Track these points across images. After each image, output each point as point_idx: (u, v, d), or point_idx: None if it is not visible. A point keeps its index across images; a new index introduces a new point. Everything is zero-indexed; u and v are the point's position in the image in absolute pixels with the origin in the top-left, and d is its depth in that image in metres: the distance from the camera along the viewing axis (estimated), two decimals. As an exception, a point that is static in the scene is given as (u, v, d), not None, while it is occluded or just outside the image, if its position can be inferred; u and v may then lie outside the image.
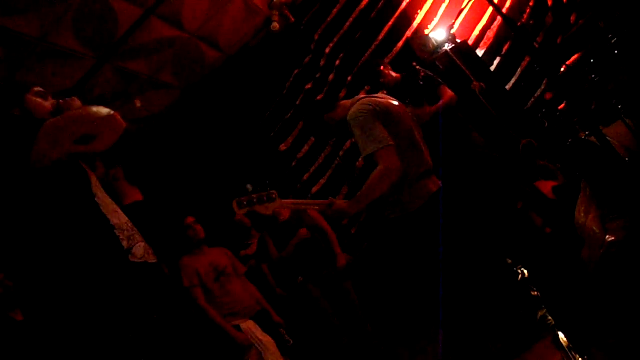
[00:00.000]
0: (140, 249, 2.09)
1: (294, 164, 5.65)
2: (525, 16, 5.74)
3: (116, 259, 1.99)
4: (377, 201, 2.70)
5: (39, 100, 2.12)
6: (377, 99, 2.83)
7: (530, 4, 5.71)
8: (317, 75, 5.70)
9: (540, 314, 2.77)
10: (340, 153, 5.60)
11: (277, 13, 4.97)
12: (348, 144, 5.48)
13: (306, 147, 5.68)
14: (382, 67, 4.29)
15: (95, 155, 2.15)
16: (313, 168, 5.64)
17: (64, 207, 1.95)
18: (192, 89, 5.63)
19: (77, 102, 2.14)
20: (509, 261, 3.61)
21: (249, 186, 2.61)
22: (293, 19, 5.31)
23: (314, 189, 5.53)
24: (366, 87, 5.57)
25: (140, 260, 2.07)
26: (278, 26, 4.98)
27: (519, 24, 5.70)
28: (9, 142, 1.93)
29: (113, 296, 1.91)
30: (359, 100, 2.90)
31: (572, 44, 5.03)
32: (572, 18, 5.43)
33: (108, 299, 1.90)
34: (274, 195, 2.53)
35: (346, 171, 5.51)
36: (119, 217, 2.13)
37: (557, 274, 3.21)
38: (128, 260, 2.02)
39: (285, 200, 2.63)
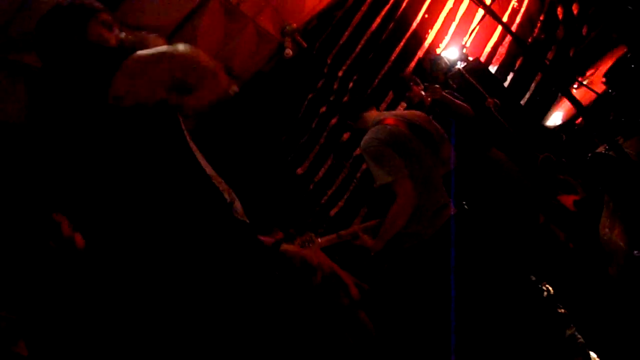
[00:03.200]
0: (239, 206, 1.73)
1: (311, 187, 5.66)
2: (536, 30, 5.76)
3: (220, 213, 1.62)
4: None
5: (103, 30, 1.70)
6: (389, 129, 2.87)
7: (541, 18, 5.73)
8: (331, 99, 5.75)
9: (568, 332, 2.72)
10: (357, 175, 5.61)
11: (289, 40, 5.06)
12: (364, 165, 5.48)
13: (323, 170, 5.69)
14: (412, 84, 4.30)
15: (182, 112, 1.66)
16: (330, 191, 5.64)
17: (151, 149, 1.55)
18: (208, 114, 5.69)
19: (160, 40, 1.69)
20: (533, 278, 3.56)
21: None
22: (305, 45, 5.38)
23: (332, 212, 5.51)
24: (389, 94, 5.62)
25: (242, 218, 1.69)
26: (291, 53, 5.06)
27: (530, 38, 5.72)
28: (76, 71, 1.53)
29: (222, 256, 1.56)
30: (375, 122, 2.96)
31: (585, 56, 5.03)
32: (584, 30, 5.43)
33: (216, 258, 1.55)
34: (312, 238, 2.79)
35: (364, 193, 5.51)
36: (210, 169, 1.74)
37: (585, 291, 3.16)
38: (232, 216, 1.65)
39: (321, 239, 2.82)
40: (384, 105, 5.67)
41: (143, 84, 1.47)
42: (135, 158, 1.52)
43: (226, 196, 1.67)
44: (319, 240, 2.75)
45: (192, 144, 1.72)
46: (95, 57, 1.54)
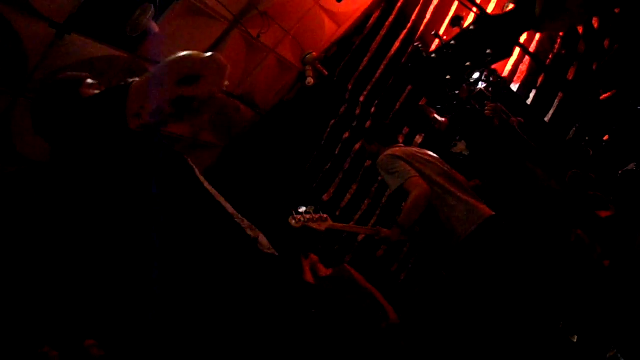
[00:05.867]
0: (265, 240, 1.79)
1: (337, 213, 5.65)
2: (556, 46, 5.72)
3: (246, 249, 1.68)
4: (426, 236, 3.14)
5: (93, 90, 1.84)
6: (401, 147, 3.29)
7: (560, 34, 5.69)
8: (354, 124, 5.78)
9: (609, 354, 2.64)
10: (383, 200, 5.60)
11: (310, 68, 5.12)
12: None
13: (348, 196, 5.69)
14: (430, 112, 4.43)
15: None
16: (357, 216, 5.63)
17: (171, 192, 1.62)
18: (232, 146, 5.76)
19: None
20: (567, 295, 3.48)
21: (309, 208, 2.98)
22: (326, 72, 5.44)
23: (359, 237, 5.49)
24: (405, 130, 5.64)
25: (269, 252, 1.76)
26: (312, 81, 5.12)
27: (550, 55, 5.68)
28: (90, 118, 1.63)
29: (249, 292, 1.61)
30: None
31: (608, 69, 4.98)
32: (606, 44, 5.37)
33: (243, 296, 1.59)
34: (325, 217, 3.08)
35: (390, 217, 5.48)
36: (231, 208, 1.79)
37: (624, 310, 3.08)
38: (258, 250, 1.71)
39: (337, 223, 3.18)
40: (406, 129, 5.69)
41: (153, 91, 1.55)
42: (157, 203, 1.57)
43: (249, 232, 1.74)
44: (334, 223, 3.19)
45: (209, 187, 1.79)
46: (100, 100, 1.66)
